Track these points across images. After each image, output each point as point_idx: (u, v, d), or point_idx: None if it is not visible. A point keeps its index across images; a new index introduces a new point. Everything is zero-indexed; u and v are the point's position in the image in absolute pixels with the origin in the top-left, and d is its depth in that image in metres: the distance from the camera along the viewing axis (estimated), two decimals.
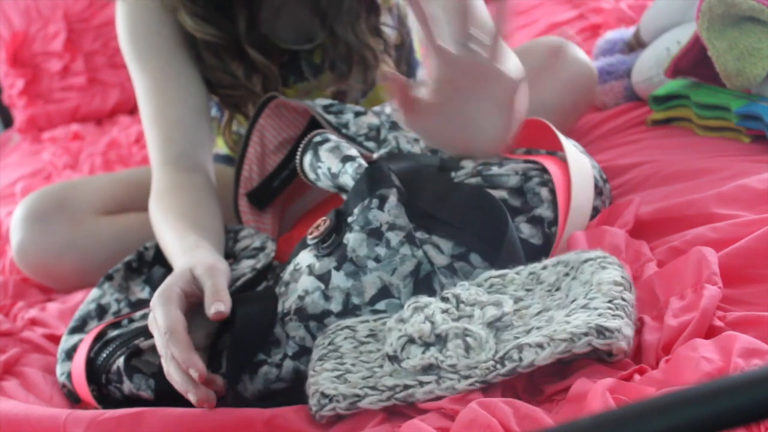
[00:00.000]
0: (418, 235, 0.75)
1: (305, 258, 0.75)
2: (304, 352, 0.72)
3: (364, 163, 0.80)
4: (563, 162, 0.83)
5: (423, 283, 0.72)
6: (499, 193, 0.80)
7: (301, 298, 0.73)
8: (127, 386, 0.75)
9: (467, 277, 0.74)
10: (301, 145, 0.86)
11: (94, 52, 2.08)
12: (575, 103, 1.08)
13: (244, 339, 0.71)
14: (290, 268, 0.76)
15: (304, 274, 0.74)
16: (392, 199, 0.75)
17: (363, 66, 1.07)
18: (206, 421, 0.66)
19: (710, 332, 0.63)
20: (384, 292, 0.72)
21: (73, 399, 0.82)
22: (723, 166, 0.89)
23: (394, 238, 0.73)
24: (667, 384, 0.58)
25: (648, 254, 0.76)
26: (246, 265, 0.86)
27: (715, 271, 0.67)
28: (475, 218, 0.76)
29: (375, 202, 0.75)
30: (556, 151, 0.86)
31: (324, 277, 0.73)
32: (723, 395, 0.35)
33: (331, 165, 0.82)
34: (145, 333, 0.77)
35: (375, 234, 0.73)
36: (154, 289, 0.91)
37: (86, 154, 1.83)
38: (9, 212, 1.42)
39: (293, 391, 0.71)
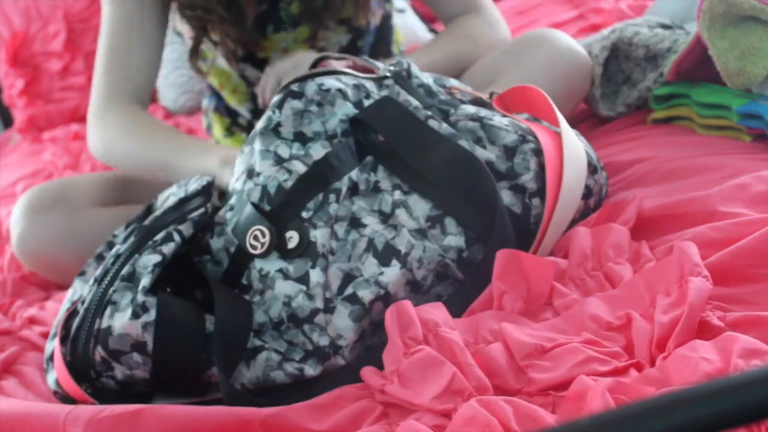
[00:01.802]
0: (396, 195, 0.77)
1: (269, 264, 0.75)
2: (310, 356, 0.72)
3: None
4: (559, 137, 0.83)
5: (384, 252, 0.74)
6: (486, 154, 0.80)
7: (286, 304, 0.73)
8: (120, 370, 0.74)
9: (438, 243, 0.75)
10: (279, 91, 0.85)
11: (94, 52, 2.05)
12: (568, 91, 1.09)
13: (229, 336, 0.72)
14: (255, 275, 0.76)
15: (278, 279, 0.74)
16: (344, 190, 0.77)
17: (354, 3, 1.12)
18: (203, 418, 0.66)
19: (710, 332, 0.63)
20: (347, 278, 0.74)
21: (69, 403, 0.81)
22: (724, 164, 0.89)
23: (339, 229, 0.76)
24: (667, 384, 0.58)
25: (648, 254, 0.76)
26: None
27: (698, 262, 0.67)
28: (457, 177, 0.77)
29: (332, 197, 0.76)
30: (553, 126, 0.86)
31: (303, 279, 0.73)
32: (723, 395, 0.35)
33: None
34: (96, 313, 0.75)
35: (332, 227, 0.76)
36: None
37: (87, 154, 1.82)
38: (9, 212, 1.42)
39: (292, 389, 0.71)
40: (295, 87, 0.82)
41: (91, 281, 0.79)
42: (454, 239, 0.76)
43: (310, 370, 0.71)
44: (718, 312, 0.65)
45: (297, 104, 0.81)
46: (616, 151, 1.02)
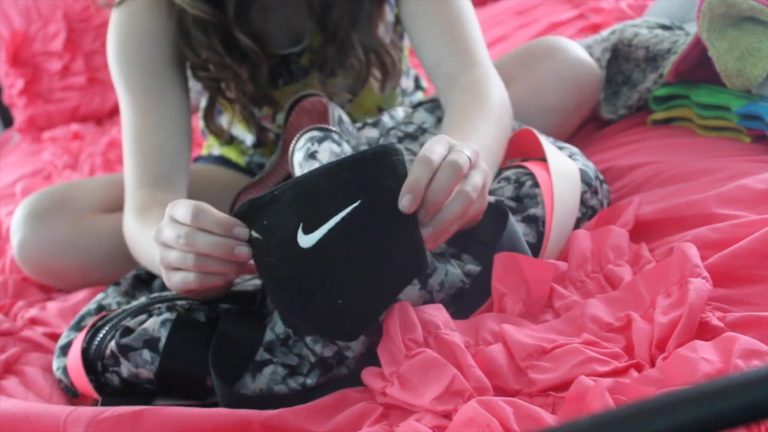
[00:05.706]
0: None
1: None
2: (313, 368, 0.72)
3: None
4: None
5: None
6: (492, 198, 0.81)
7: None
8: (126, 367, 0.75)
9: (461, 269, 0.75)
10: (298, 136, 0.86)
11: (94, 51, 2.08)
12: (578, 103, 1.08)
13: (226, 355, 0.72)
14: None
15: None
16: None
17: (383, 71, 1.07)
18: (204, 420, 0.66)
19: (710, 333, 0.63)
20: None
21: (71, 393, 0.83)
22: (723, 167, 0.89)
23: None
24: (667, 384, 0.58)
25: (647, 256, 0.76)
26: (251, 284, 0.85)
27: (697, 263, 0.67)
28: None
29: None
30: (545, 158, 0.87)
31: None
32: (723, 395, 0.35)
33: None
34: (132, 314, 0.77)
35: None
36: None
37: (86, 154, 1.83)
38: (9, 212, 1.42)
39: (295, 400, 0.71)
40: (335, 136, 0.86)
41: (143, 299, 0.82)
42: (473, 267, 0.76)
43: (312, 382, 0.71)
44: (718, 313, 0.65)
45: (334, 147, 0.84)
46: (616, 155, 1.02)
